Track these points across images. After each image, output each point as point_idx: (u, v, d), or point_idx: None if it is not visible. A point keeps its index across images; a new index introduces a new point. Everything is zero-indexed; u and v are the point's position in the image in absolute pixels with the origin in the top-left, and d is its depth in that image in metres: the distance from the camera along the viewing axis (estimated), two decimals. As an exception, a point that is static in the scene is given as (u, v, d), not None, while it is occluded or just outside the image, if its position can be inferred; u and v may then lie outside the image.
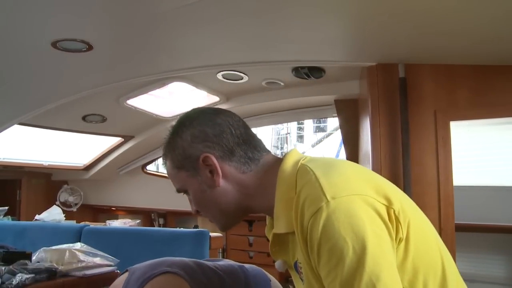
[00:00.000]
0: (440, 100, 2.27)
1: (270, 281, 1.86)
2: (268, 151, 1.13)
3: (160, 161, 5.10)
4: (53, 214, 3.46)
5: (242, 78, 2.84)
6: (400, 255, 0.92)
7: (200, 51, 2.37)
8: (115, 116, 3.52)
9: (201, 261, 1.75)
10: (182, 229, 2.93)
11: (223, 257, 3.74)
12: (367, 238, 0.85)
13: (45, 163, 4.36)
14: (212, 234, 2.64)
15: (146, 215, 4.83)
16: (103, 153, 4.33)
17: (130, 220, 3.54)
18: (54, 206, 3.58)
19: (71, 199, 4.73)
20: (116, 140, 4.12)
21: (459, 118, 2.25)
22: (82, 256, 2.04)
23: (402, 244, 0.92)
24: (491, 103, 2.21)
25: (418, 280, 0.93)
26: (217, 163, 1.05)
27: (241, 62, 2.54)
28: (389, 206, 0.91)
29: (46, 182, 4.73)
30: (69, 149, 4.38)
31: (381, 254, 0.86)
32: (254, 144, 1.10)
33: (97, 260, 2.10)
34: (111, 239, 2.87)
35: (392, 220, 0.90)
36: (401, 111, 2.24)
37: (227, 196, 1.07)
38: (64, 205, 4.61)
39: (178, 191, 1.14)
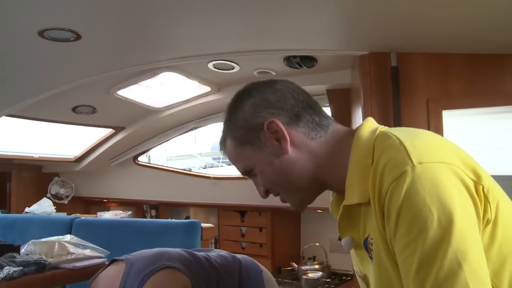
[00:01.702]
0: (433, 89, 2.25)
1: (262, 271, 1.85)
2: (335, 121, 1.06)
3: (152, 152, 5.09)
4: (44, 207, 3.42)
5: (233, 68, 2.81)
6: (486, 239, 0.83)
7: (191, 40, 2.34)
8: (106, 107, 3.48)
9: (195, 252, 1.74)
10: (173, 220, 2.91)
11: (215, 247, 3.73)
12: (454, 211, 0.77)
13: (36, 155, 4.31)
14: (204, 225, 2.62)
15: (138, 207, 4.81)
16: (94, 144, 4.28)
17: (121, 212, 3.52)
18: (45, 198, 3.55)
19: (62, 191, 4.69)
20: (107, 131, 4.08)
21: (451, 107, 2.23)
22: (72, 248, 2.02)
23: (489, 226, 0.84)
24: (484, 92, 2.20)
25: (505, 270, 0.84)
26: (284, 128, 0.99)
27: (232, 51, 2.51)
28: (477, 182, 0.83)
29: (37, 175, 4.68)
30: (60, 141, 4.33)
31: (469, 231, 0.78)
32: (320, 110, 1.04)
33: (87, 252, 2.08)
34: (102, 231, 2.85)
35: (481, 197, 0.82)
36: (393, 100, 2.22)
37: (297, 166, 1.00)
38: (55, 197, 4.57)
39: (244, 172, 1.08)
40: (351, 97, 2.91)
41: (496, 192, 0.86)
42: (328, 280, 3.45)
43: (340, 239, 1.05)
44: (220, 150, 1.11)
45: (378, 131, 0.95)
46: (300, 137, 1.00)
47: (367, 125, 0.99)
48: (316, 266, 3.57)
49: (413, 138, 0.88)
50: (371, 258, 0.94)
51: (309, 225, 4.06)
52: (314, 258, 3.77)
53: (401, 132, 0.90)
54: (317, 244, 3.72)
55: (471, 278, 0.74)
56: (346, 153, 0.96)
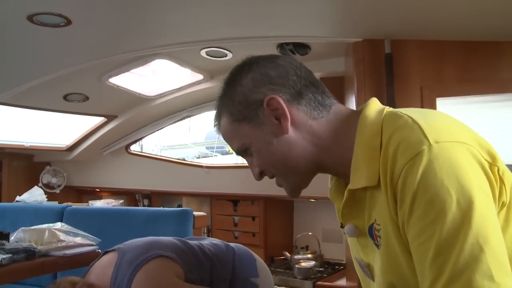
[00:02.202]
0: (427, 76, 2.24)
1: (256, 260, 1.84)
2: (338, 101, 1.00)
3: (144, 141, 5.05)
4: (35, 195, 3.40)
5: (226, 55, 2.78)
6: (500, 223, 0.79)
7: (183, 26, 2.31)
8: (98, 95, 3.45)
9: (188, 241, 1.73)
10: (165, 208, 2.89)
11: (208, 237, 3.72)
12: (474, 192, 0.73)
13: (27, 144, 4.27)
14: (196, 213, 2.61)
15: (131, 196, 4.78)
16: (86, 133, 4.24)
17: (113, 200, 3.50)
18: (36, 187, 3.52)
19: (54, 180, 4.65)
20: (99, 120, 4.05)
21: (445, 95, 2.22)
22: (62, 236, 2.00)
23: (504, 210, 0.81)
24: (478, 79, 2.19)
25: None
26: (285, 106, 0.93)
27: (225, 38, 2.49)
28: (492, 163, 0.79)
29: (28, 164, 4.64)
30: (51, 129, 4.29)
31: (488, 214, 0.74)
32: (323, 88, 0.99)
33: (78, 239, 2.06)
34: (93, 220, 2.84)
35: (496, 179, 0.79)
36: (387, 88, 2.21)
37: (296, 147, 0.95)
38: (47, 186, 4.54)
39: (238, 151, 1.02)
40: (344, 85, 2.89)
41: (510, 175, 0.83)
42: (321, 269, 3.45)
43: (342, 226, 1.01)
44: (214, 126, 1.06)
45: (385, 111, 0.92)
46: (301, 116, 0.95)
47: (372, 105, 0.95)
48: (309, 255, 3.57)
49: (427, 117, 0.84)
50: (377, 245, 0.90)
51: (302, 214, 4.06)
52: (307, 248, 3.76)
53: (412, 112, 0.86)
54: (310, 233, 3.72)
55: (493, 264, 0.71)
56: (350, 135, 0.92)
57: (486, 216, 0.73)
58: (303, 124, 0.95)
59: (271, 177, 1.03)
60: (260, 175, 1.03)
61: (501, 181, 0.80)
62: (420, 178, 0.75)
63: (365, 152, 0.88)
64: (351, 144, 0.91)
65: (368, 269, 0.98)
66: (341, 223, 1.01)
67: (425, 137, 0.78)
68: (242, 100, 0.96)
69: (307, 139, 0.95)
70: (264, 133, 0.96)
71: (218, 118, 1.03)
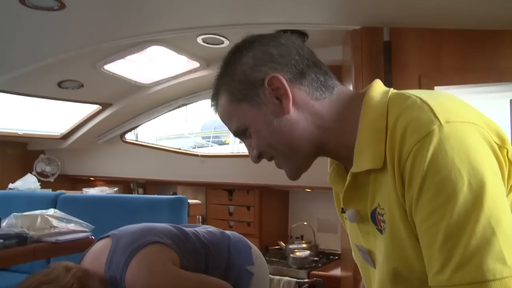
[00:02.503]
0: (425, 64, 2.22)
1: (251, 248, 1.83)
2: (340, 83, 0.97)
3: (140, 131, 5.02)
4: (28, 183, 3.38)
5: (222, 43, 2.75)
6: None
7: (180, 12, 2.28)
8: (92, 83, 3.41)
9: (184, 228, 1.71)
10: (160, 196, 2.87)
11: (203, 226, 3.71)
12: (485, 174, 0.71)
13: (20, 132, 4.23)
14: (191, 201, 2.59)
15: (126, 185, 4.76)
16: (81, 121, 4.20)
17: (107, 188, 3.48)
18: (29, 174, 3.50)
19: (48, 169, 4.62)
20: (94, 107, 4.01)
21: (444, 84, 2.20)
22: (55, 222, 1.99)
23: (511, 195, 0.78)
24: (477, 68, 2.17)
25: None
26: (287, 85, 0.90)
27: (221, 24, 2.45)
28: (502, 146, 0.77)
29: (22, 152, 4.60)
30: (46, 117, 4.26)
31: (500, 196, 0.72)
32: (325, 69, 0.95)
33: (71, 226, 2.04)
34: (87, 207, 2.82)
35: (506, 161, 0.77)
36: (385, 76, 2.19)
37: (298, 128, 0.92)
38: (41, 175, 4.51)
39: (237, 131, 0.98)
40: (342, 74, 2.87)
41: None
42: (316, 258, 3.44)
43: (343, 211, 0.98)
44: (212, 106, 1.03)
45: (390, 92, 0.89)
46: (303, 97, 0.92)
47: (377, 87, 0.92)
48: (304, 245, 3.56)
49: (436, 97, 0.81)
50: (380, 231, 0.88)
51: (297, 204, 4.05)
52: (302, 237, 3.76)
53: (420, 92, 0.84)
54: (305, 223, 3.71)
55: (505, 246, 0.69)
56: (354, 117, 0.89)
57: (497, 198, 0.71)
58: (305, 105, 0.92)
59: (270, 160, 1.00)
60: (258, 158, 1.00)
61: (510, 163, 0.78)
62: (431, 159, 0.73)
63: (369, 134, 0.85)
64: (354, 126, 0.89)
65: (369, 256, 0.96)
66: (342, 208, 0.98)
67: (436, 117, 0.75)
68: (242, 79, 0.93)
69: (309, 120, 0.92)
70: (264, 113, 0.93)
71: (216, 97, 1.00)
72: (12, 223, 1.91)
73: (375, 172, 0.85)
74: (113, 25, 2.45)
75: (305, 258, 3.32)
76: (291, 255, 3.34)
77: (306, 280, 3.10)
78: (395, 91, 0.90)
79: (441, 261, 0.72)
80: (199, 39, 2.70)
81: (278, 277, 3.13)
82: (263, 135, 0.95)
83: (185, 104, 3.97)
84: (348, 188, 0.92)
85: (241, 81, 0.93)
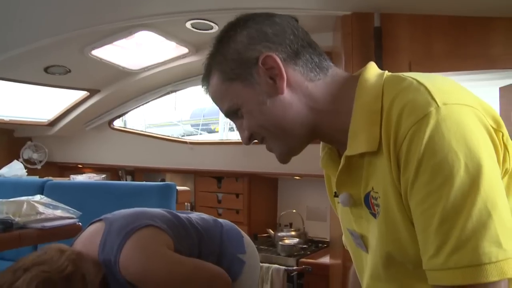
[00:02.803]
0: (416, 51, 2.21)
1: (243, 237, 1.82)
2: (335, 64, 0.96)
3: (128, 118, 4.98)
4: (14, 169, 3.33)
5: (212, 28, 2.72)
6: None
7: (168, -5, 2.25)
8: (80, 68, 3.35)
9: (177, 213, 1.69)
10: (148, 182, 2.84)
11: (192, 214, 3.69)
12: (482, 157, 0.71)
13: (6, 118, 4.17)
14: (179, 188, 2.57)
15: (114, 173, 4.72)
16: (68, 107, 4.15)
17: (95, 175, 3.45)
18: (15, 161, 3.45)
19: (35, 156, 4.57)
20: (81, 94, 3.96)
21: (434, 71, 2.18)
22: (41, 208, 1.95)
23: (506, 178, 0.78)
24: (468, 55, 2.16)
25: None
26: (281, 65, 0.89)
27: (210, 9, 2.43)
28: (497, 129, 0.77)
29: (8, 139, 4.53)
30: (32, 103, 4.20)
31: (496, 180, 0.72)
32: (320, 51, 0.94)
33: (58, 212, 2.01)
34: (75, 194, 2.79)
35: (501, 145, 0.76)
36: (375, 62, 2.16)
37: (291, 110, 0.90)
38: (28, 162, 4.46)
39: (228, 112, 0.97)
40: (332, 60, 2.85)
41: None
42: (305, 246, 3.44)
43: (336, 195, 0.97)
44: (203, 86, 1.00)
45: (385, 74, 0.88)
46: (298, 77, 0.90)
47: (371, 69, 0.91)
48: (293, 233, 3.57)
49: (432, 79, 0.80)
50: (373, 214, 0.87)
51: (286, 192, 4.04)
52: (290, 225, 3.76)
53: (415, 75, 0.83)
54: (294, 211, 3.71)
55: (500, 230, 0.69)
56: (348, 99, 0.88)
57: (494, 182, 0.71)
58: (299, 86, 0.91)
59: (261, 141, 0.98)
60: (249, 139, 0.98)
61: (505, 147, 0.78)
62: (427, 141, 0.72)
63: (364, 116, 0.84)
64: (349, 108, 0.88)
65: (362, 240, 0.95)
66: (335, 192, 0.97)
67: (433, 98, 0.75)
68: (235, 58, 0.91)
69: (302, 101, 0.91)
70: (257, 93, 0.91)
71: (207, 77, 0.98)
72: (-3, 209, 1.88)
73: (370, 155, 0.85)
74: (101, 8, 2.41)
75: (293, 245, 3.32)
76: (280, 242, 3.34)
77: (295, 267, 3.10)
78: (390, 73, 0.89)
79: (437, 244, 0.72)
80: (188, 24, 2.67)
81: (267, 265, 3.13)
82: (255, 116, 0.93)
83: (174, 91, 3.93)
84: (342, 171, 0.91)
85: (235, 60, 0.91)
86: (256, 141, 1.00)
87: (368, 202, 0.88)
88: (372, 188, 0.86)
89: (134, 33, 2.80)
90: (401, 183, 0.78)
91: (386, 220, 0.83)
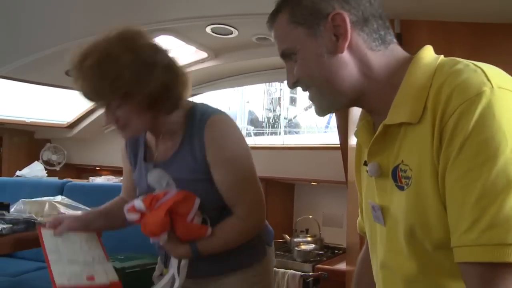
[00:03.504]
0: (436, 58, 2.20)
1: (272, 232, 1.82)
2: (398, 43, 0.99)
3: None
4: (35, 170, 3.39)
5: (232, 33, 2.74)
6: None
7: (189, 1, 2.27)
8: (100, 72, 3.40)
9: None
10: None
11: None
12: None
13: (27, 120, 4.24)
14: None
15: (131, 176, 4.76)
16: (87, 110, 4.21)
17: (113, 177, 3.48)
18: (36, 162, 3.51)
19: (54, 157, 4.63)
20: (100, 97, 4.00)
21: (454, 77, 2.18)
22: (62, 209, 1.99)
23: None
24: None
25: None
26: (349, 25, 0.91)
27: (230, 14, 2.44)
28: None
29: (29, 140, 4.61)
30: (53, 105, 4.25)
31: None
32: (388, 26, 0.97)
33: (78, 213, 2.04)
34: (93, 195, 2.82)
35: None
36: (395, 68, 2.17)
37: (345, 71, 0.92)
38: (47, 164, 4.52)
39: (284, 53, 0.99)
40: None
41: None
42: (321, 252, 3.44)
43: (365, 164, 1.00)
44: (268, 22, 1.01)
45: (441, 57, 0.91)
46: (360, 43, 0.93)
47: (428, 50, 0.95)
48: (309, 239, 3.56)
49: (488, 66, 0.82)
50: (399, 187, 0.89)
51: (303, 198, 4.04)
52: (307, 231, 3.76)
53: (471, 61, 0.85)
54: (310, 216, 3.70)
55: None
56: (399, 75, 0.91)
57: None
58: (359, 50, 0.93)
59: (305, 90, 1.00)
60: (294, 84, 1.00)
61: None
62: (478, 118, 0.74)
63: (411, 90, 0.87)
64: (398, 83, 0.90)
65: (382, 213, 0.97)
66: (365, 161, 1.00)
67: (488, 80, 0.76)
68: (309, 5, 0.93)
69: (357, 66, 0.93)
70: (318, 45, 0.93)
71: (275, 14, 0.99)
72: (21, 208, 1.92)
73: (408, 127, 0.87)
74: (122, 12, 2.44)
75: (310, 251, 3.32)
76: (296, 248, 3.34)
77: (311, 273, 3.10)
78: (447, 58, 0.91)
79: (471, 220, 0.73)
80: (208, 29, 2.69)
81: (282, 270, 3.13)
82: (309, 65, 0.95)
83: (192, 95, 3.96)
84: (377, 139, 0.94)
85: (307, 7, 0.93)
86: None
87: (395, 174, 0.90)
88: (402, 161, 0.88)
89: (155, 37, 2.82)
90: (440, 158, 0.79)
91: (416, 193, 0.84)
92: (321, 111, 1.01)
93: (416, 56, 0.92)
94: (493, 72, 0.80)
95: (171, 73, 1.48)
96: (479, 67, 0.80)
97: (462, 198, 0.74)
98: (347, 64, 0.92)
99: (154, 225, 1.40)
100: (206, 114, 1.51)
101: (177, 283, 1.50)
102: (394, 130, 0.90)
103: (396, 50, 0.96)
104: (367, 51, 0.93)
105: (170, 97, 1.47)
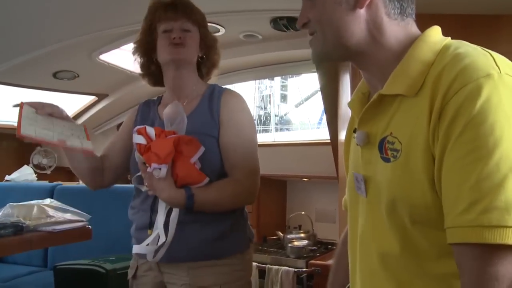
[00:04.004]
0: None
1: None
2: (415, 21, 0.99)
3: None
4: (24, 174, 3.36)
5: (219, 31, 2.72)
6: None
7: (174, -1, 2.25)
8: (88, 73, 3.38)
9: None
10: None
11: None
12: None
13: (16, 124, 4.19)
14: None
15: (123, 177, 4.73)
16: (77, 112, 4.18)
17: (104, 179, 3.45)
18: (25, 166, 3.48)
19: (45, 161, 4.58)
20: (89, 98, 3.98)
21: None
22: (51, 212, 1.97)
23: None
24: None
25: None
26: None
27: (217, 11, 2.43)
28: None
29: (19, 144, 4.55)
30: (41, 109, 4.21)
31: None
32: (412, 3, 0.96)
33: (68, 216, 2.03)
34: (84, 198, 2.79)
35: None
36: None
37: (356, 26, 0.92)
38: (38, 167, 4.48)
39: None
40: (339, 63, 2.85)
41: None
42: (314, 248, 3.44)
43: (355, 131, 1.01)
44: None
45: (448, 38, 0.92)
46: (380, 5, 0.92)
47: (436, 30, 0.94)
48: (302, 235, 3.57)
49: (495, 53, 0.82)
50: (384, 159, 0.89)
51: (295, 194, 4.04)
52: (299, 227, 3.76)
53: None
54: (303, 213, 3.70)
55: None
56: (406, 49, 0.91)
57: None
58: (376, 13, 0.92)
59: (311, 34, 0.99)
60: (303, 25, 0.99)
61: None
62: (485, 100, 0.73)
63: (413, 64, 0.87)
64: (402, 56, 0.91)
65: (364, 184, 0.97)
66: (355, 128, 1.00)
67: (497, 65, 0.77)
68: None
69: (370, 27, 0.93)
70: None
71: None
72: (8, 212, 1.90)
73: (403, 99, 0.87)
74: (109, 13, 2.42)
75: (303, 247, 3.32)
76: (289, 244, 3.34)
77: (304, 269, 3.10)
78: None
79: (470, 201, 0.73)
80: (195, 28, 2.68)
81: (276, 267, 3.13)
82: (325, 11, 0.94)
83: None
84: (369, 108, 0.94)
85: None
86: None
87: (382, 145, 0.90)
88: (391, 133, 0.88)
89: (142, 37, 2.81)
90: (439, 135, 0.78)
91: (404, 166, 0.84)
92: (318, 59, 1.02)
93: (424, 33, 0.93)
94: (501, 59, 0.80)
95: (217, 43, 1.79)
96: (488, 52, 0.81)
97: (461, 178, 0.74)
98: (361, 21, 0.92)
99: (162, 148, 1.39)
100: (224, 88, 1.71)
101: (163, 239, 1.45)
102: (388, 100, 0.91)
103: (411, 25, 0.96)
104: (384, 16, 0.92)
105: (209, 59, 1.75)
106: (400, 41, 0.93)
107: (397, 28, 0.93)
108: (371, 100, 0.93)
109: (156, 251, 1.47)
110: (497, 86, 0.74)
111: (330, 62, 0.96)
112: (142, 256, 1.54)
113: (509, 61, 0.82)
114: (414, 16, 0.97)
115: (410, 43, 0.92)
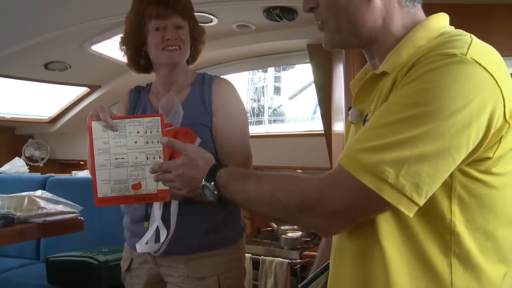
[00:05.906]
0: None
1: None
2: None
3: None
4: (16, 167, 3.34)
5: (211, 21, 2.71)
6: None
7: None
8: (80, 64, 3.35)
9: None
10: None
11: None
12: (472, 114, 0.75)
13: (7, 116, 4.16)
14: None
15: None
16: (69, 104, 4.15)
17: (96, 171, 3.43)
18: (17, 158, 3.46)
19: (37, 153, 4.56)
20: (82, 90, 3.95)
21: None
22: (43, 203, 1.96)
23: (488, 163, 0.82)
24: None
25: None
26: None
27: (210, 1, 2.41)
28: (508, 120, 0.79)
29: (10, 137, 4.53)
30: (33, 100, 4.19)
31: (462, 141, 0.76)
32: None
33: (59, 207, 2.01)
34: (76, 190, 2.78)
35: (494, 133, 0.79)
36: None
37: (370, 16, 0.93)
38: (30, 159, 4.46)
39: None
40: (332, 53, 2.84)
41: None
42: (308, 239, 3.44)
43: (349, 108, 1.04)
44: None
45: (451, 27, 0.93)
46: None
47: (439, 17, 0.96)
48: (296, 226, 3.56)
49: (485, 44, 0.84)
50: None
51: (289, 186, 4.03)
52: (293, 219, 3.75)
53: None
54: (297, 204, 3.69)
55: (426, 174, 0.75)
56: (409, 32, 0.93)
57: (460, 139, 0.75)
58: (390, 2, 0.94)
59: (318, 20, 0.99)
60: (310, 9, 0.98)
61: (499, 140, 0.80)
62: (432, 70, 0.77)
63: (407, 46, 0.90)
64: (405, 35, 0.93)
65: None
66: (350, 107, 1.04)
67: (468, 50, 0.78)
68: None
69: (383, 16, 0.94)
70: None
71: None
72: (-1, 204, 1.88)
73: (385, 76, 0.90)
74: (100, 3, 2.40)
75: (297, 239, 3.31)
76: (283, 236, 3.33)
77: (298, 260, 3.10)
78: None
79: (368, 137, 0.80)
80: (187, 18, 2.66)
81: (270, 258, 3.13)
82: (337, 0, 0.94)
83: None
84: (362, 87, 0.98)
85: None
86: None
87: (365, 121, 0.95)
88: (370, 110, 0.93)
89: (133, 27, 2.79)
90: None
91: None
92: (331, 45, 1.02)
93: (427, 18, 0.94)
94: (481, 48, 0.81)
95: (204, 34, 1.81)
96: (472, 39, 0.82)
97: (372, 120, 0.81)
98: (375, 10, 0.93)
99: None
100: (214, 76, 1.72)
101: (164, 232, 1.46)
102: (376, 79, 0.94)
103: (418, 13, 0.97)
104: (396, 5, 0.94)
105: (195, 49, 1.77)
106: (407, 28, 0.94)
107: (406, 15, 0.95)
108: (365, 78, 0.97)
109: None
110: (452, 64, 0.76)
111: (342, 49, 0.97)
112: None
113: (493, 52, 0.83)
114: (421, 5, 0.98)
115: (415, 25, 0.94)
